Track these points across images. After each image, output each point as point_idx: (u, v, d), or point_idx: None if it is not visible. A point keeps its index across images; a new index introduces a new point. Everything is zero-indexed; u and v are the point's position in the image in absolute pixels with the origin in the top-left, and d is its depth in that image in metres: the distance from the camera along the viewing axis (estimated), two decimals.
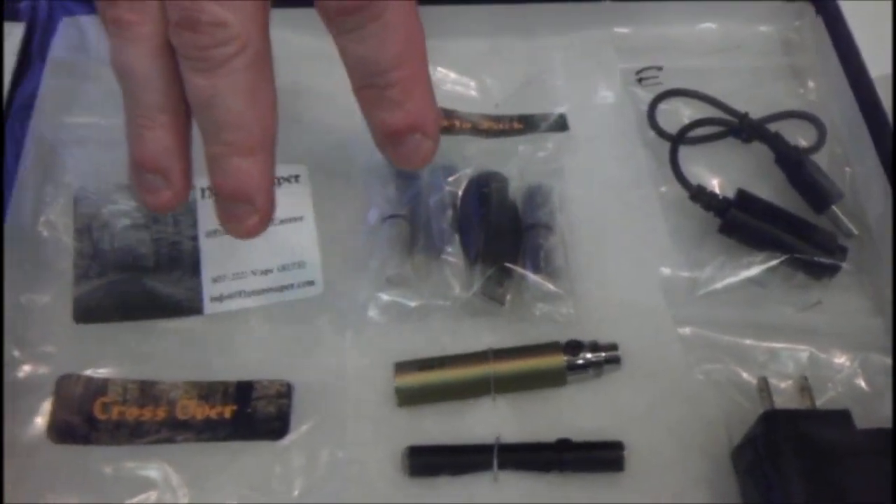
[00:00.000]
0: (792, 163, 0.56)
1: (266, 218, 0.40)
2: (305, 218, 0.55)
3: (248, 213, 0.40)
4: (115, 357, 0.50)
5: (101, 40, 0.61)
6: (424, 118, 0.39)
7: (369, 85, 0.38)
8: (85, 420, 0.48)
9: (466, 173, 0.56)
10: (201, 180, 0.55)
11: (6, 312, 0.50)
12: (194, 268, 0.53)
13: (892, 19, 0.61)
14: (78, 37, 0.61)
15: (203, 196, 0.55)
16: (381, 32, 0.37)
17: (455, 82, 0.62)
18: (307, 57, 0.59)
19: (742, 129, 0.58)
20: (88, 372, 0.49)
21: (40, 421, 0.48)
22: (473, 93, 0.61)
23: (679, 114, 0.60)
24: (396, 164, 0.41)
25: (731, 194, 0.55)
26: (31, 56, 0.58)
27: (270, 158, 0.39)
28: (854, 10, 0.61)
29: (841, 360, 0.51)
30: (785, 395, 0.49)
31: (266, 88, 0.38)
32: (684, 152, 0.57)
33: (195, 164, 0.55)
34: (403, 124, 0.39)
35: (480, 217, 0.53)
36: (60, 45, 0.60)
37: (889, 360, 0.51)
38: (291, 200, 0.55)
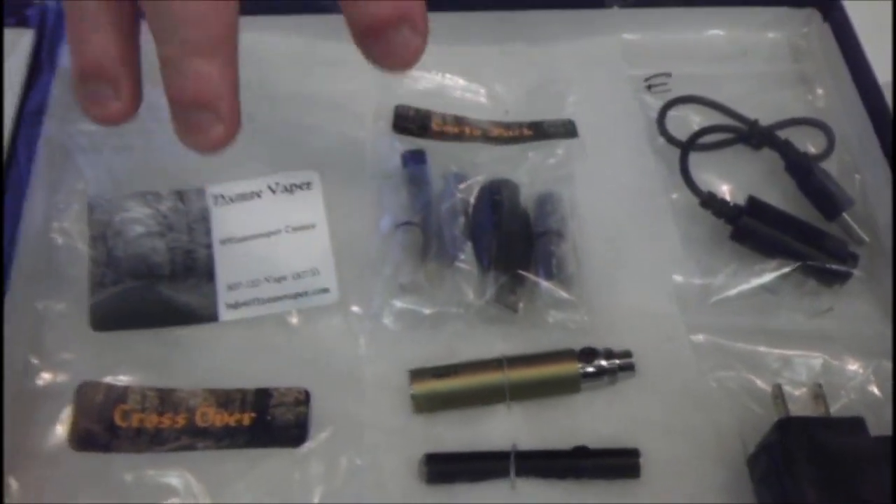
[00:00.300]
0: (802, 170, 0.56)
1: (232, 128, 0.36)
2: (318, 225, 0.55)
3: (210, 121, 0.35)
4: (133, 364, 0.50)
5: None
6: (411, 8, 0.35)
7: None
8: (106, 428, 0.48)
9: (478, 180, 0.56)
10: (213, 187, 0.55)
11: (23, 320, 0.51)
12: (209, 275, 0.53)
13: (892, 22, 0.62)
14: None
15: (216, 203, 0.55)
16: None
17: (465, 89, 0.62)
18: (319, 63, 0.60)
19: (752, 135, 0.58)
20: (108, 379, 0.49)
21: (60, 429, 0.48)
22: (483, 100, 0.62)
23: (688, 120, 0.60)
24: (380, 65, 0.37)
25: (741, 201, 0.55)
26: (41, 63, 0.58)
27: (233, 59, 0.35)
28: (862, 17, 0.61)
29: (854, 367, 0.51)
30: (799, 402, 0.49)
31: None
32: (694, 159, 0.57)
33: (210, 174, 0.56)
34: (389, 14, 0.35)
35: (493, 224, 0.54)
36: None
37: None
38: (304, 207, 0.55)
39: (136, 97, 0.37)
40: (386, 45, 0.36)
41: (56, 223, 0.54)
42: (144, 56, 0.40)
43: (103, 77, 0.36)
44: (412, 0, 0.35)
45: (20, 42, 0.59)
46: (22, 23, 0.60)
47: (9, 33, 0.59)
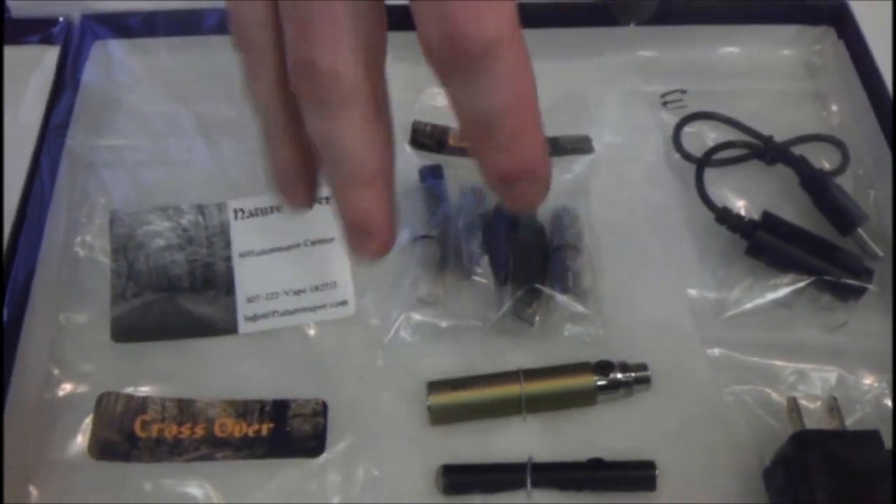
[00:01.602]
0: (816, 185, 0.57)
1: (385, 243, 0.41)
2: (336, 239, 0.55)
3: (367, 240, 0.40)
4: (153, 376, 0.51)
5: (132, 64, 0.62)
6: (534, 164, 0.39)
7: (480, 132, 0.38)
8: (126, 437, 0.48)
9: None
10: (233, 202, 0.56)
11: (45, 331, 0.51)
12: (228, 288, 0.54)
13: (892, 23, 0.62)
14: (110, 61, 0.63)
15: (236, 217, 0.55)
16: (493, 84, 0.36)
17: None
18: None
19: (766, 151, 0.59)
20: (128, 390, 0.50)
21: (81, 438, 0.49)
22: None
23: (704, 136, 0.61)
24: (507, 206, 0.41)
25: (756, 216, 0.55)
26: (65, 80, 0.59)
27: (388, 188, 0.40)
28: (875, 34, 0.62)
29: (868, 380, 0.51)
30: (814, 415, 0.49)
31: (381, 125, 0.39)
32: (709, 174, 0.58)
33: (229, 189, 0.56)
34: (513, 169, 0.39)
35: (509, 239, 0.54)
36: (92, 68, 0.61)
37: None
38: (322, 222, 0.56)
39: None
40: (512, 192, 0.39)
41: (78, 236, 0.55)
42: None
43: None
44: (534, 154, 0.38)
45: (45, 59, 0.60)
46: (46, 40, 0.61)
47: (33, 50, 0.61)
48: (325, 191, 0.55)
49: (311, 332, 0.53)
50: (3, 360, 0.48)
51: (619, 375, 0.50)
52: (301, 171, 0.42)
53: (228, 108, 0.60)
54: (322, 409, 0.50)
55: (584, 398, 0.50)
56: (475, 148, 0.39)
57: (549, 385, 0.50)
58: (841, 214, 0.56)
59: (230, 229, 0.55)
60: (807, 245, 0.54)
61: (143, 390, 0.50)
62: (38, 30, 0.61)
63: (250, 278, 0.54)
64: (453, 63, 0.35)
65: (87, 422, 0.49)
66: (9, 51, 0.60)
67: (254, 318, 0.53)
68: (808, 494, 0.43)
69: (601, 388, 0.50)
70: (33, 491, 0.47)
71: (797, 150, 0.59)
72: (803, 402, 0.49)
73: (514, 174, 0.39)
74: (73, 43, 0.61)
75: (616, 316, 0.54)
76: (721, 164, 0.59)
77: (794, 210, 0.57)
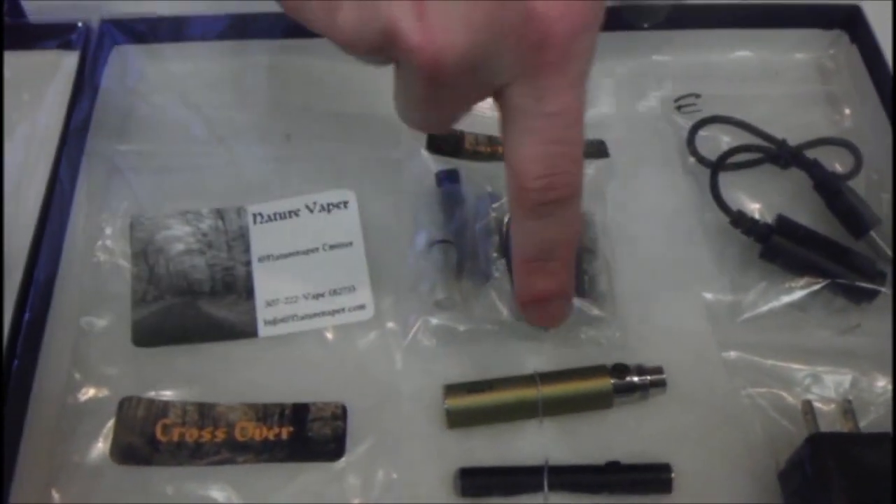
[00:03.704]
0: (830, 189, 0.57)
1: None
2: (355, 243, 0.56)
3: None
4: (174, 379, 0.52)
5: (151, 69, 0.63)
6: (569, 287, 0.48)
7: (537, 258, 0.45)
8: (147, 441, 0.49)
9: None
10: (253, 206, 0.56)
11: (67, 336, 0.52)
12: (248, 292, 0.54)
13: (892, 26, 0.63)
14: (128, 66, 0.63)
15: (255, 222, 0.56)
16: (564, 219, 0.43)
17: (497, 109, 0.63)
18: (356, 86, 0.61)
19: (780, 155, 0.59)
20: (150, 394, 0.51)
21: (103, 443, 0.49)
22: None
23: (718, 140, 0.61)
24: (533, 323, 0.51)
25: (770, 220, 0.56)
26: (84, 85, 0.59)
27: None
28: (888, 38, 0.62)
29: (882, 383, 0.52)
30: (828, 418, 0.50)
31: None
32: (723, 178, 0.58)
33: (248, 194, 0.57)
34: (556, 292, 0.47)
35: None
36: (111, 73, 0.62)
37: None
38: (341, 226, 0.57)
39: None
40: (544, 310, 0.49)
41: (99, 241, 0.56)
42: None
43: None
44: (571, 279, 0.47)
45: (64, 64, 0.61)
46: (66, 45, 0.61)
47: (52, 55, 0.61)
48: (338, 195, 0.57)
49: (330, 335, 0.53)
50: (11, 368, 0.49)
51: (636, 378, 0.51)
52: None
53: (247, 114, 0.61)
54: (342, 413, 0.50)
55: (600, 401, 0.51)
56: (524, 272, 0.47)
57: (566, 388, 0.51)
58: (854, 218, 0.56)
59: (249, 233, 0.56)
60: (821, 248, 0.54)
61: (165, 394, 0.51)
62: (56, 35, 0.62)
63: (269, 282, 0.55)
64: (546, 200, 0.42)
65: (109, 426, 0.50)
66: (28, 56, 0.61)
67: (273, 322, 0.53)
68: (823, 497, 0.44)
69: (617, 390, 0.50)
70: (55, 495, 0.48)
71: (810, 154, 0.59)
72: (818, 405, 0.50)
73: (553, 294, 0.47)
74: (92, 48, 0.61)
75: (632, 319, 0.54)
76: (735, 167, 0.59)
77: (808, 213, 0.58)
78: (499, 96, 0.41)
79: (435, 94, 0.40)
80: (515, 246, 0.46)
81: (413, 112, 0.44)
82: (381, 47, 0.38)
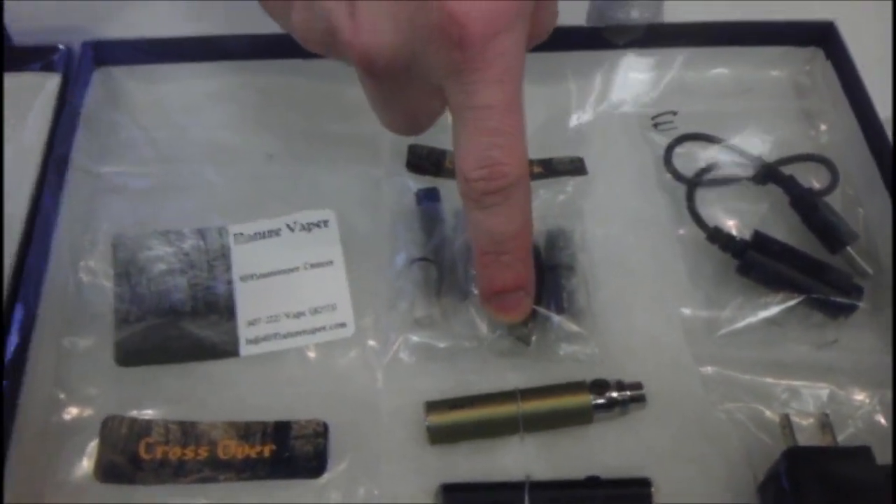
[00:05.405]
0: (806, 205, 0.58)
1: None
2: (335, 262, 0.56)
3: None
4: (156, 399, 0.52)
5: (133, 90, 0.63)
6: (528, 279, 0.48)
7: (490, 251, 0.46)
8: (130, 460, 0.49)
9: None
10: (234, 226, 0.57)
11: (50, 356, 0.52)
12: (230, 311, 0.54)
13: (892, 30, 0.64)
14: (111, 87, 0.63)
15: (236, 241, 0.56)
16: (509, 209, 0.45)
17: None
18: (336, 105, 0.61)
19: (756, 171, 0.60)
20: (132, 413, 0.51)
21: (86, 461, 0.49)
22: None
23: (695, 157, 0.62)
24: (496, 317, 0.50)
25: (747, 236, 0.56)
26: (66, 107, 0.60)
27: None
28: (863, 55, 0.62)
29: (860, 397, 0.52)
30: (806, 432, 0.50)
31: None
32: (700, 195, 0.59)
33: (230, 213, 0.57)
34: (511, 284, 0.47)
35: None
36: (94, 95, 0.62)
37: None
38: (321, 245, 0.57)
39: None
40: (504, 303, 0.48)
41: (82, 261, 0.56)
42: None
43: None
44: (528, 271, 0.48)
45: (46, 85, 0.61)
46: (48, 67, 0.62)
47: (35, 77, 0.61)
48: (318, 214, 0.57)
49: (312, 354, 0.54)
50: (1, 386, 0.49)
51: (615, 394, 0.51)
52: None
53: (228, 134, 0.61)
54: (323, 430, 0.51)
55: (580, 417, 0.51)
56: (481, 266, 0.48)
57: (546, 404, 0.51)
58: (830, 233, 0.57)
59: (231, 253, 0.56)
60: (797, 264, 0.55)
61: (147, 413, 0.51)
62: (39, 57, 0.62)
63: (251, 301, 0.55)
64: (488, 189, 0.43)
65: (93, 445, 0.50)
66: (10, 78, 0.61)
67: (255, 341, 0.54)
68: None
69: (597, 406, 0.51)
70: None
71: (787, 170, 0.60)
72: (796, 419, 0.50)
73: (511, 286, 0.47)
74: (74, 70, 0.62)
75: (610, 335, 0.54)
76: (712, 184, 0.60)
77: (785, 229, 0.58)
78: (444, 96, 0.44)
79: (380, 90, 0.44)
80: (472, 240, 0.48)
81: (375, 111, 0.47)
82: (326, 43, 0.43)
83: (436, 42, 0.41)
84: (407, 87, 0.45)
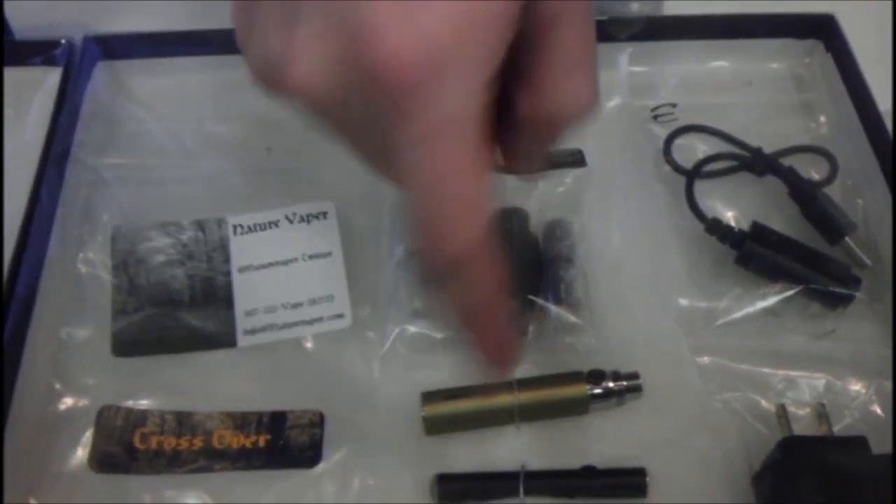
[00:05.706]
0: (805, 196, 0.57)
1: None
2: (334, 253, 0.56)
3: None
4: (153, 389, 0.52)
5: (133, 84, 0.63)
6: (501, 353, 0.42)
7: (464, 322, 0.40)
8: (125, 450, 0.49)
9: None
10: (233, 218, 0.57)
11: (47, 346, 0.53)
12: (227, 302, 0.55)
13: (891, 22, 0.63)
14: (111, 81, 0.64)
15: (235, 233, 0.56)
16: (462, 288, 0.38)
17: None
18: None
19: (756, 163, 0.60)
20: (128, 403, 0.51)
21: (81, 451, 0.50)
22: None
23: (694, 149, 0.62)
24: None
25: (745, 227, 0.56)
26: (67, 100, 0.60)
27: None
28: (862, 47, 0.62)
29: (856, 387, 0.52)
30: (803, 421, 0.50)
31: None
32: (699, 186, 0.58)
33: (229, 205, 0.57)
34: (489, 354, 0.41)
35: (503, 251, 0.55)
36: (95, 89, 0.63)
37: None
38: (320, 236, 0.57)
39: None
40: (489, 370, 0.43)
41: (81, 253, 0.56)
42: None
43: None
44: (500, 335, 0.41)
45: (47, 80, 0.61)
46: (49, 62, 0.62)
47: (36, 71, 0.62)
48: (317, 206, 0.57)
49: (309, 344, 0.54)
50: (2, 374, 0.49)
51: (611, 384, 0.51)
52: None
53: (227, 126, 0.61)
54: (319, 420, 0.51)
55: (576, 407, 0.51)
56: (461, 327, 0.41)
57: (542, 394, 0.51)
58: (829, 224, 0.56)
59: (229, 244, 0.56)
60: (795, 254, 0.55)
61: (143, 403, 0.51)
62: (40, 52, 0.63)
63: (249, 292, 0.55)
64: (436, 266, 0.36)
65: (88, 435, 0.50)
66: (12, 72, 0.62)
67: (252, 332, 0.54)
68: (795, 499, 0.44)
69: (593, 396, 0.51)
70: (34, 503, 0.48)
71: (786, 162, 0.60)
72: (792, 409, 0.50)
73: (491, 359, 0.41)
74: (75, 64, 0.62)
75: (608, 326, 0.54)
76: (711, 175, 0.60)
77: (783, 220, 0.58)
78: None
79: (328, 125, 0.37)
80: None
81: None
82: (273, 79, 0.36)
83: (367, 91, 0.33)
84: (349, 128, 0.37)
